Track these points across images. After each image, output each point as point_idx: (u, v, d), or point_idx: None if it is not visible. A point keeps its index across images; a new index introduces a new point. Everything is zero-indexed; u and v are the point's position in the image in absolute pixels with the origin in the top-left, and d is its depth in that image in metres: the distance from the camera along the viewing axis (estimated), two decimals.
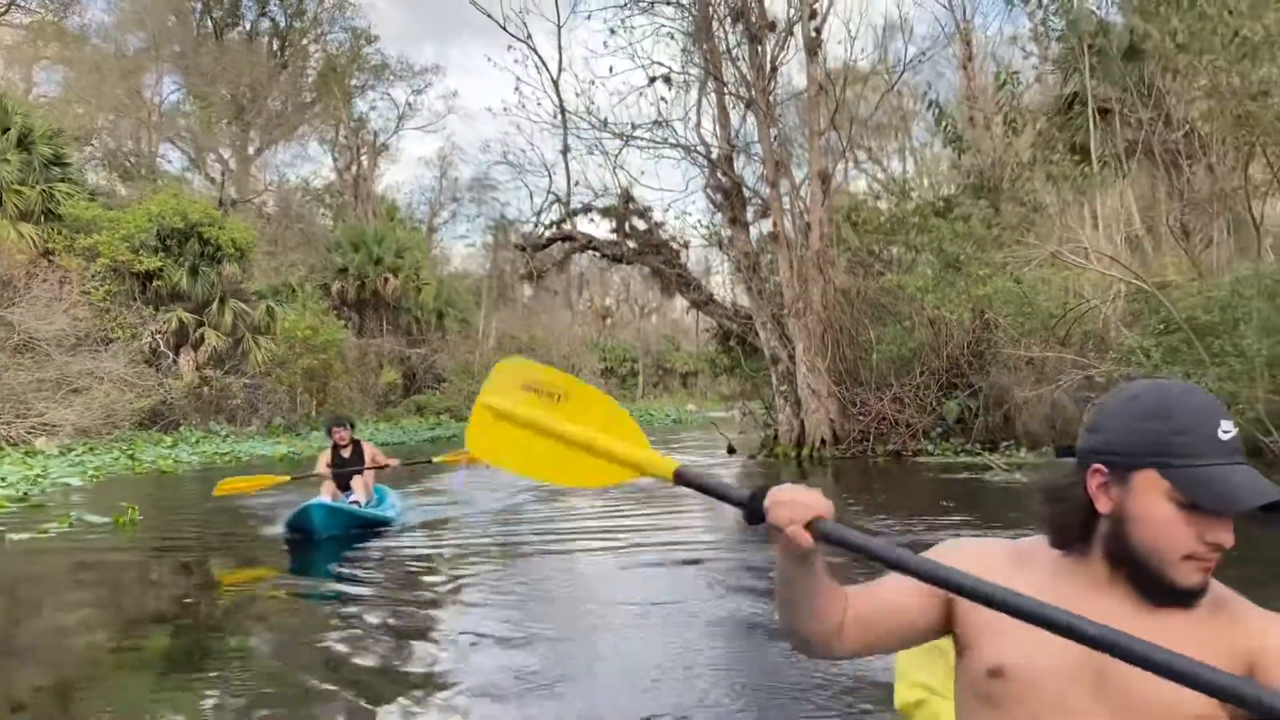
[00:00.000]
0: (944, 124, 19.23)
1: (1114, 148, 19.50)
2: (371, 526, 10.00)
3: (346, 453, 10.58)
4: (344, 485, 10.41)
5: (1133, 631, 1.29)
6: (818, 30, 17.68)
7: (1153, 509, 1.39)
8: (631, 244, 20.30)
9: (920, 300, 17.17)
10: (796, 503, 1.38)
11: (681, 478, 1.51)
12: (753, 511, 1.40)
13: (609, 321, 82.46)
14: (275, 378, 30.74)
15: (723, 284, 22.65)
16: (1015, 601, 1.24)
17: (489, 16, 20.55)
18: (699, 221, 19.92)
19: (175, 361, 29.61)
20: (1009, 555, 1.52)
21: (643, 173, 45.96)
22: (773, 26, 17.66)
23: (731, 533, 9.41)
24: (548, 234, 20.50)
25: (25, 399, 24.51)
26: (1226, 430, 1.38)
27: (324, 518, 9.46)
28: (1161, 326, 12.22)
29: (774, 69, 17.76)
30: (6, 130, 29.36)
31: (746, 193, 19.26)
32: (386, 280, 40.17)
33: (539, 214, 20.36)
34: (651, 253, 20.09)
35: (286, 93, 49.61)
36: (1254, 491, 1.33)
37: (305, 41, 50.92)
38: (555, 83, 20.25)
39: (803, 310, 17.24)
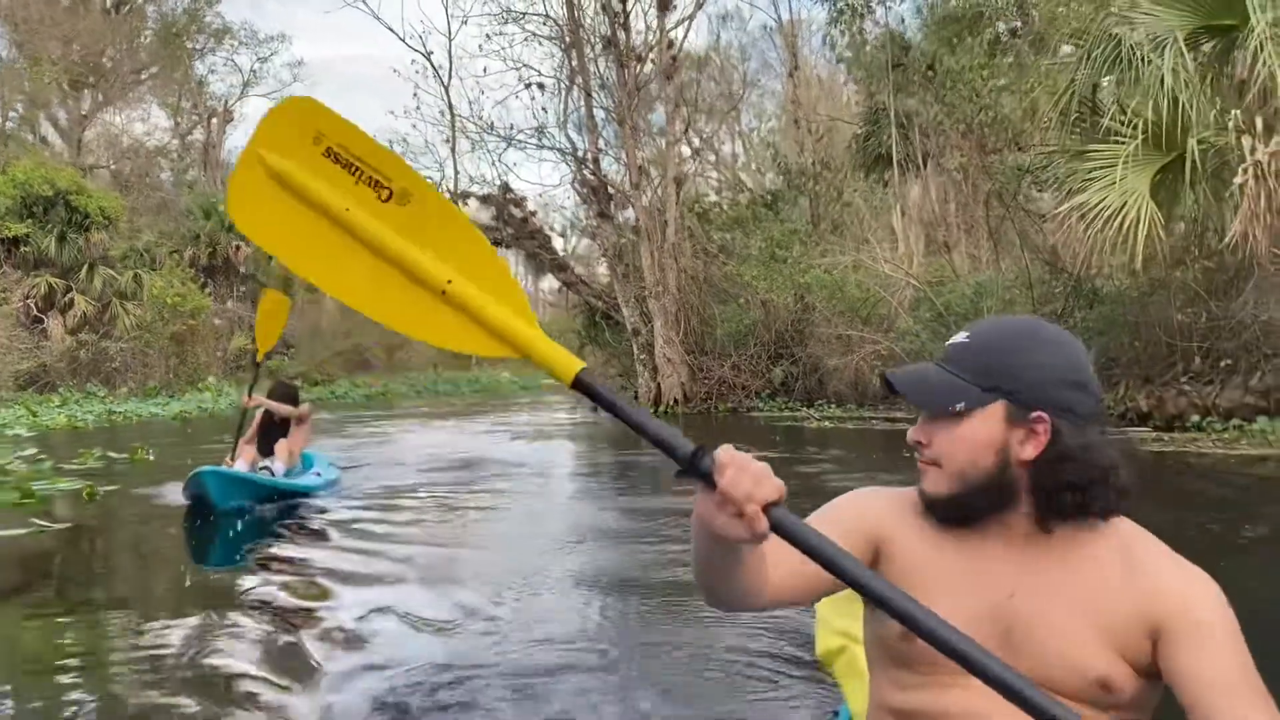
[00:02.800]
0: (778, 160, 23.77)
1: (913, 154, 24.49)
2: (287, 497, 9.00)
3: (276, 420, 9.81)
4: (266, 450, 9.62)
5: (936, 554, 1.48)
6: (674, 58, 21.93)
7: None
8: (510, 230, 24.11)
9: (754, 285, 21.71)
10: (756, 476, 1.17)
11: (585, 386, 1.25)
12: (694, 467, 1.17)
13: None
14: (144, 342, 32.74)
15: (588, 267, 26.63)
16: (922, 621, 1.16)
17: (392, 31, 23.80)
18: (574, 215, 23.82)
19: (44, 326, 31.26)
20: (919, 503, 1.53)
21: (516, 164, 50.49)
22: (639, 58, 21.77)
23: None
24: None
25: None
26: (953, 341, 1.50)
27: (220, 487, 8.39)
28: (930, 314, 17.09)
29: (638, 88, 21.88)
30: None
31: (611, 190, 23.35)
32: (238, 248, 42.08)
33: None
34: (527, 238, 23.97)
35: (122, 54, 50.03)
36: (890, 380, 1.47)
37: (141, 1, 51.36)
38: (446, 88, 23.83)
39: (661, 292, 21.59)
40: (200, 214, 42.03)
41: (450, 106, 23.60)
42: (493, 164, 23.72)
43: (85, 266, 32.02)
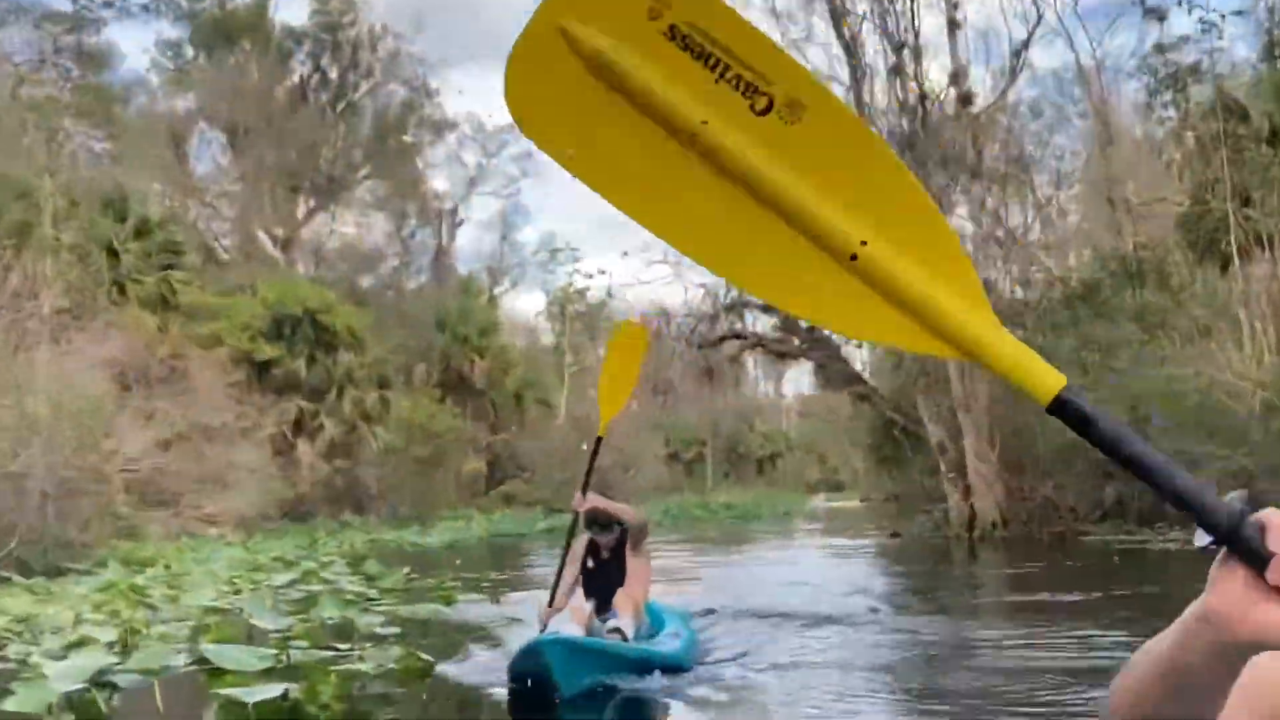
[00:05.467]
0: (1089, 244, 26.72)
1: (1256, 234, 26.72)
2: (647, 671, 7.97)
3: (606, 554, 8.97)
4: (602, 602, 8.72)
5: None
6: (980, 153, 25.59)
7: None
8: (796, 340, 28.06)
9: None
10: None
11: (1074, 411, 1.12)
12: (1235, 535, 1.01)
13: (668, 397, 79.72)
14: (391, 467, 38.49)
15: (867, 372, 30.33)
16: None
17: None
18: None
19: (295, 452, 37.42)
20: None
21: None
22: (945, 161, 25.47)
23: None
24: (718, 332, 28.43)
25: (178, 489, 32.22)
26: None
27: (566, 661, 7.41)
28: None
29: (943, 191, 25.55)
30: (124, 219, 37.36)
31: None
32: (474, 362, 48.06)
33: (715, 315, 28.35)
34: (817, 348, 27.85)
35: (338, 152, 57.95)
36: None
37: (358, 96, 59.59)
38: None
39: (971, 405, 24.86)
40: (433, 326, 48.38)
41: None
42: None
43: (335, 389, 38.15)
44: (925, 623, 11.22)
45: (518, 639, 8.68)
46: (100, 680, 7.37)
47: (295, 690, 7.21)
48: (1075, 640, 9.46)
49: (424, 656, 8.66)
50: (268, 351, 37.53)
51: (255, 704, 6.90)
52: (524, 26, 1.20)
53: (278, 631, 10.24)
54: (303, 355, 38.10)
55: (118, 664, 7.82)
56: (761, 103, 1.15)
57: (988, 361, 1.13)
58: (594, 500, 8.67)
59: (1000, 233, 27.16)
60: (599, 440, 9.09)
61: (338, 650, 9.19)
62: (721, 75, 1.16)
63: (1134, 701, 1.16)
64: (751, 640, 9.89)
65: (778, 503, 62.31)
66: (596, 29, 1.17)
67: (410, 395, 40.81)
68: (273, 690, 7.01)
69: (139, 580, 16.77)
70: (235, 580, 17.10)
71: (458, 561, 21.82)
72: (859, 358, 30.66)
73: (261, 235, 54.84)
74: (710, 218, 1.18)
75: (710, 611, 11.02)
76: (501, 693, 7.98)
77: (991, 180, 28.01)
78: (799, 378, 75.59)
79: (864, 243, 1.13)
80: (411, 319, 49.17)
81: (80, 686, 7.09)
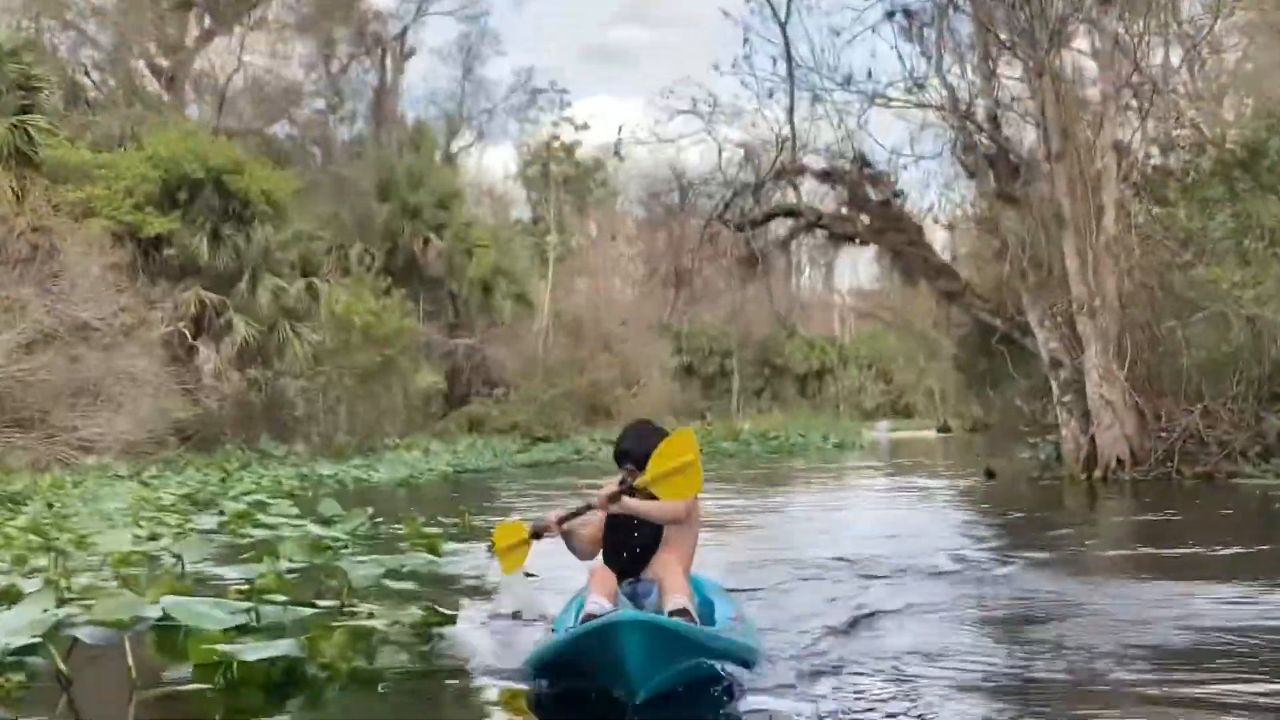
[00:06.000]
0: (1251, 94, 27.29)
1: None
2: (717, 660, 7.37)
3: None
4: (632, 563, 8.17)
5: None
6: None
7: None
8: (866, 219, 28.77)
9: (1233, 294, 25.22)
10: None
11: None
12: None
13: (684, 293, 76.95)
14: (322, 380, 39.22)
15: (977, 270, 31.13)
16: None
17: None
18: (961, 197, 28.25)
19: (194, 358, 38.14)
20: None
21: (867, 120, 53.76)
22: None
23: None
24: (762, 210, 29.14)
25: (44, 406, 33.00)
26: None
27: (648, 652, 6.64)
28: None
29: (1062, 21, 26.03)
30: None
31: (1015, 159, 27.58)
32: (427, 242, 48.65)
33: (761, 184, 29.03)
34: (893, 230, 28.57)
35: None
36: None
37: None
38: (783, 27, 28.93)
39: (1097, 308, 25.55)
40: (372, 193, 48.80)
41: (789, 52, 28.66)
42: (839, 125, 28.39)
43: (247, 275, 38.72)
44: (1051, 587, 11.67)
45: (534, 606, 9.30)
46: (55, 635, 8.15)
47: (285, 649, 7.98)
48: (1240, 602, 10.12)
49: (442, 609, 9.49)
50: (157, 225, 37.96)
51: (239, 664, 7.71)
52: None
53: (240, 582, 11.09)
54: (204, 230, 38.54)
55: (78, 615, 8.57)
56: None
57: None
58: (629, 506, 7.98)
59: (1136, 78, 27.65)
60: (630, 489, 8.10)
61: (317, 607, 9.99)
62: None
63: None
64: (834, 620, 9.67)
65: (826, 431, 62.89)
66: None
67: (346, 285, 41.41)
68: (271, 649, 7.80)
69: (23, 520, 17.71)
70: (144, 523, 17.95)
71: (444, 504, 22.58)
72: (945, 242, 31.35)
73: (141, 67, 54.67)
74: None
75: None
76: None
77: (1125, 7, 28.36)
78: (857, 266, 76.06)
79: None
80: (345, 183, 49.51)
81: (35, 641, 7.89)
